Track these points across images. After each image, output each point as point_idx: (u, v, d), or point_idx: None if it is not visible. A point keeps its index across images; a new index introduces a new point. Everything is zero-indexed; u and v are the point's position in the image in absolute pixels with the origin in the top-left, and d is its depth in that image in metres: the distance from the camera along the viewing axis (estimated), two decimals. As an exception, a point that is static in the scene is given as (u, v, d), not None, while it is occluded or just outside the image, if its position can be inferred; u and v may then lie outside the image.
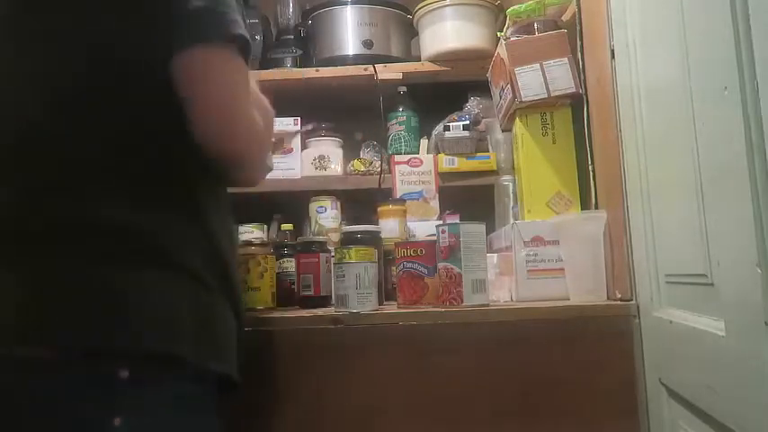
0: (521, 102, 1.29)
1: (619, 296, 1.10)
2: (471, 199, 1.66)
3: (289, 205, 1.79)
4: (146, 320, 0.72)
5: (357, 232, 1.28)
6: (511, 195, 1.50)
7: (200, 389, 0.77)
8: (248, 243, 1.31)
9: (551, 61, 1.27)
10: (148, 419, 0.71)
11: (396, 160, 1.75)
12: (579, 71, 1.25)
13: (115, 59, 0.77)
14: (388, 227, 1.46)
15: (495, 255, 1.28)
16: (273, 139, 1.67)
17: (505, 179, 1.55)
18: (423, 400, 1.06)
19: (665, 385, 0.95)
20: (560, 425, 1.05)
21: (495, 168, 1.69)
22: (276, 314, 1.18)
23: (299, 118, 1.81)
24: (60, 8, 0.79)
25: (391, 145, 1.84)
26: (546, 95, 1.27)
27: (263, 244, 1.31)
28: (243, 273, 1.23)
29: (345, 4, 1.82)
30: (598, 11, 1.14)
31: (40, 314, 0.70)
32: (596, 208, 1.19)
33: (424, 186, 1.73)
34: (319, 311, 1.16)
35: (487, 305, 1.13)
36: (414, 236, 1.50)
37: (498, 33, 1.58)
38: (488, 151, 1.72)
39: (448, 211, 1.64)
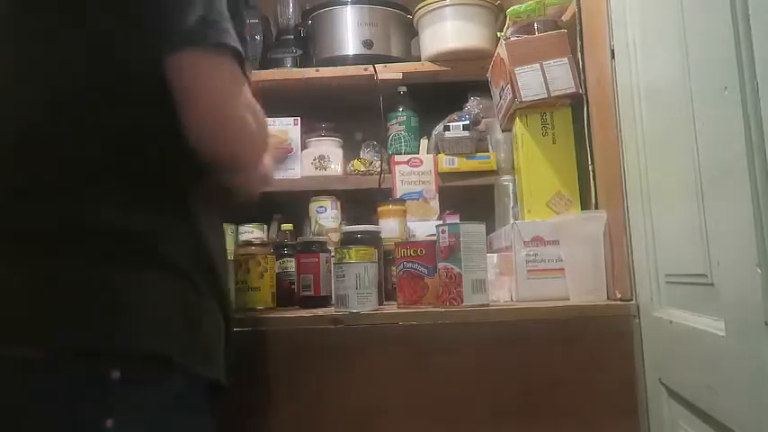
0: (521, 102, 1.29)
1: (619, 296, 1.10)
2: (471, 199, 1.66)
3: (289, 205, 1.79)
4: (145, 321, 0.72)
5: (357, 232, 1.28)
6: (511, 195, 1.50)
7: (194, 389, 0.77)
8: (248, 243, 1.32)
9: (551, 61, 1.27)
10: (148, 419, 0.71)
11: (396, 160, 1.75)
12: (579, 71, 1.25)
13: (115, 59, 0.77)
14: (388, 227, 1.46)
15: (495, 255, 1.28)
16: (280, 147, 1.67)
17: (505, 179, 1.55)
18: (423, 400, 1.06)
19: (665, 385, 0.95)
20: (560, 425, 1.05)
21: (495, 168, 1.69)
22: (276, 314, 1.18)
23: (299, 118, 1.81)
24: (60, 8, 0.79)
25: (391, 145, 1.84)
26: (546, 95, 1.27)
27: (263, 244, 1.31)
28: (243, 273, 1.23)
29: (345, 4, 1.82)
30: (598, 11, 1.14)
31: (40, 314, 0.70)
32: (596, 208, 1.19)
33: (424, 186, 1.73)
34: (319, 311, 1.16)
35: (487, 305, 1.13)
36: (414, 236, 1.50)
37: (498, 33, 1.58)
38: (488, 151, 1.72)
39: (448, 211, 1.64)
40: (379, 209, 1.52)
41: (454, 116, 1.74)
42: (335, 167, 1.81)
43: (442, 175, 1.74)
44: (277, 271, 1.30)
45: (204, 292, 0.79)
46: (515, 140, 1.38)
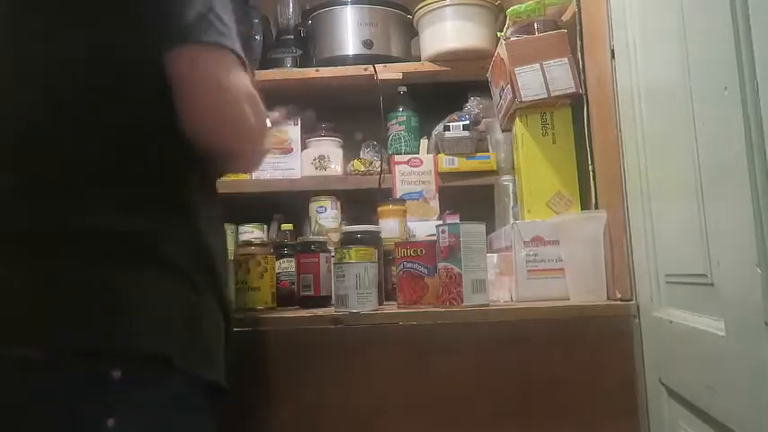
0: (521, 102, 1.29)
1: (619, 296, 1.10)
2: (471, 199, 1.66)
3: (289, 205, 1.79)
4: (146, 321, 0.72)
5: (357, 232, 1.28)
6: (511, 195, 1.50)
7: (194, 389, 0.77)
8: (248, 243, 1.32)
9: (551, 61, 1.27)
10: (149, 419, 0.71)
11: (396, 160, 1.75)
12: (579, 71, 1.25)
13: (115, 59, 0.77)
14: (388, 227, 1.46)
15: (495, 255, 1.28)
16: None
17: (505, 179, 1.55)
18: (423, 400, 1.06)
19: (665, 385, 0.95)
20: (560, 425, 1.05)
21: (495, 168, 1.69)
22: (276, 314, 1.18)
23: (298, 118, 1.81)
24: (60, 8, 0.79)
25: (391, 145, 1.84)
26: (546, 95, 1.27)
27: (263, 244, 1.31)
28: (243, 273, 1.23)
29: (345, 4, 1.82)
30: (598, 11, 1.14)
31: (40, 314, 0.70)
32: (596, 208, 1.19)
33: (424, 186, 1.73)
34: (319, 311, 1.16)
35: (487, 305, 1.13)
36: (414, 236, 1.50)
37: (498, 33, 1.58)
38: (488, 151, 1.72)
39: (448, 211, 1.64)
40: (379, 209, 1.52)
41: (454, 116, 1.74)
42: (335, 167, 1.81)
43: (442, 175, 1.74)
44: (277, 271, 1.30)
45: (204, 291, 0.79)
46: (515, 140, 1.38)
